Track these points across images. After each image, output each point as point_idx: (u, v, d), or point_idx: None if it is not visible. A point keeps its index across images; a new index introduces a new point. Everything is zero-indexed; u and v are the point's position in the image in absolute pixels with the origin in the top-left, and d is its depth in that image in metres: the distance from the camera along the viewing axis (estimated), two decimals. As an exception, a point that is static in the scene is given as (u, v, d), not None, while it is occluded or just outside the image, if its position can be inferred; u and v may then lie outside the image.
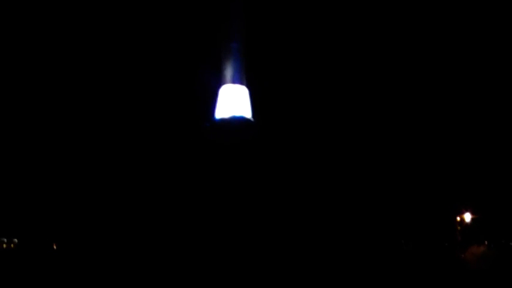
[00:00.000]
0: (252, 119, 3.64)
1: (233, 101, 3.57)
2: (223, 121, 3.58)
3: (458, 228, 23.32)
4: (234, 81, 3.70)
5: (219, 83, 3.79)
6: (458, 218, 23.30)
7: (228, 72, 3.73)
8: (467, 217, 23.29)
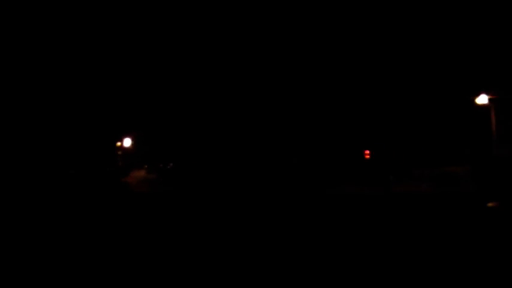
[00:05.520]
0: None
1: None
2: None
3: (119, 153, 24.73)
4: None
5: None
6: (118, 143, 24.64)
7: None
8: (127, 142, 24.93)
